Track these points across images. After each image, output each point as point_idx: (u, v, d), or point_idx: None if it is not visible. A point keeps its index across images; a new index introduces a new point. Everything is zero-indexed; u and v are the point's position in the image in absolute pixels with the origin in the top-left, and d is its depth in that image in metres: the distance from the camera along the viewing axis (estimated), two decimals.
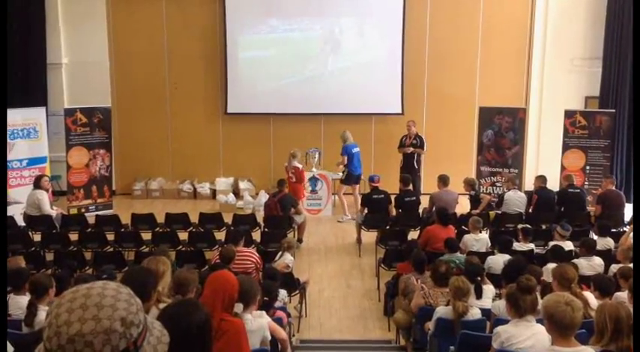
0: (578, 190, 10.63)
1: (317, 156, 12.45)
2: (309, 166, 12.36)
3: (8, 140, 11.27)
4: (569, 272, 5.57)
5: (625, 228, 9.48)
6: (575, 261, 7.12)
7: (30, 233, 9.50)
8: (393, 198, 10.38)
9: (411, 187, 10.67)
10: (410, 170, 11.83)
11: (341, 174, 12.15)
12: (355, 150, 12.06)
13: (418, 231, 9.77)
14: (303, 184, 11.86)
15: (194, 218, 10.04)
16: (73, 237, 9.26)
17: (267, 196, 11.30)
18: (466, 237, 8.45)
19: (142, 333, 1.56)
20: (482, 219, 9.07)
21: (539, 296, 4.89)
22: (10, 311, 5.51)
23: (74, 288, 1.55)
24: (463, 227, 9.37)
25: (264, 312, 4.91)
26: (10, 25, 12.43)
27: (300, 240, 10.45)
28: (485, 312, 5.67)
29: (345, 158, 11.98)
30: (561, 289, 5.37)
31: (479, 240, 8.37)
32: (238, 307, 4.26)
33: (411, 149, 12.18)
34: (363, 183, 12.29)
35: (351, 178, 12.02)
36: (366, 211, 10.30)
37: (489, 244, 8.37)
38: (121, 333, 1.49)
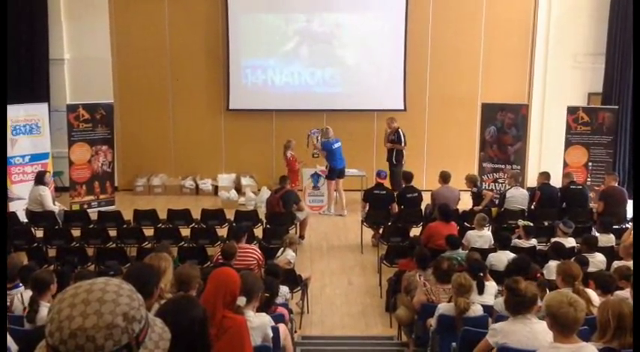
0: (581, 187, 10.63)
1: (318, 138, 12.25)
2: (311, 148, 12.26)
3: (11, 136, 11.28)
4: (573, 269, 5.57)
5: (627, 225, 9.47)
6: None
7: (32, 229, 9.49)
8: (395, 194, 10.36)
9: (412, 183, 10.64)
10: (389, 165, 12.19)
11: (324, 168, 12.18)
12: (336, 145, 12.03)
13: (420, 228, 9.76)
14: (296, 172, 12.04)
15: (196, 214, 10.04)
16: (76, 233, 9.27)
17: (270, 192, 11.30)
18: (469, 233, 8.44)
19: (144, 329, 1.57)
20: None
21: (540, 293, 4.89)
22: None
23: (76, 284, 1.56)
24: (465, 223, 9.37)
25: (264, 314, 4.89)
26: (12, 21, 12.43)
27: (302, 237, 10.44)
28: (487, 309, 5.67)
29: (325, 153, 12.03)
30: (565, 286, 5.39)
31: (482, 236, 8.35)
32: (241, 300, 4.26)
33: (389, 145, 12.38)
34: (360, 181, 12.32)
35: (333, 173, 12.02)
36: (367, 207, 10.28)
37: (492, 241, 8.35)
38: (123, 328, 1.50)
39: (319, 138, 12.25)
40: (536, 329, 4.32)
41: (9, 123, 11.19)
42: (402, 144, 12.36)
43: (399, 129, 12.42)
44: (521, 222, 8.86)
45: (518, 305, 4.44)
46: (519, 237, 8.35)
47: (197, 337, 2.61)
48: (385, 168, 11.77)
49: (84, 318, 1.47)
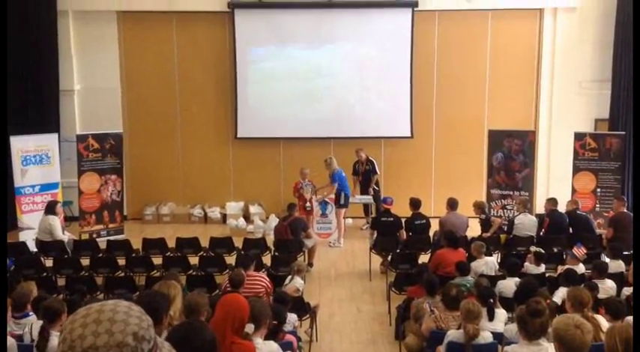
0: (584, 214, 10.63)
1: (310, 189, 12.16)
2: (303, 202, 12.05)
3: (21, 166, 11.39)
4: (584, 296, 5.55)
5: None
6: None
7: (42, 258, 9.53)
8: (403, 221, 10.34)
9: (420, 210, 10.63)
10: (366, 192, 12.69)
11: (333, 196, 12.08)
12: (343, 173, 12.12)
13: (429, 255, 9.73)
14: (304, 202, 11.98)
15: (205, 242, 10.06)
16: (85, 262, 9.30)
17: (278, 220, 11.31)
18: (473, 263, 8.36)
19: (153, 350, 1.59)
20: (492, 242, 8.96)
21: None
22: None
23: (87, 306, 1.59)
24: None
25: (272, 342, 4.88)
26: (22, 53, 12.62)
27: (310, 264, 10.43)
28: (497, 336, 5.63)
29: (336, 185, 11.91)
30: (574, 312, 5.35)
31: (485, 263, 8.33)
32: (249, 327, 4.26)
33: (372, 191, 12.73)
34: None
35: (347, 200, 12.04)
36: (375, 234, 10.29)
37: (497, 267, 8.32)
38: (133, 347, 1.53)
39: (313, 189, 12.17)
40: None
41: (19, 153, 11.31)
42: (377, 173, 12.80)
43: (370, 158, 12.85)
44: (533, 249, 8.83)
45: (537, 326, 4.39)
46: (530, 263, 8.32)
47: None
48: (392, 194, 11.73)
49: (95, 337, 1.50)
